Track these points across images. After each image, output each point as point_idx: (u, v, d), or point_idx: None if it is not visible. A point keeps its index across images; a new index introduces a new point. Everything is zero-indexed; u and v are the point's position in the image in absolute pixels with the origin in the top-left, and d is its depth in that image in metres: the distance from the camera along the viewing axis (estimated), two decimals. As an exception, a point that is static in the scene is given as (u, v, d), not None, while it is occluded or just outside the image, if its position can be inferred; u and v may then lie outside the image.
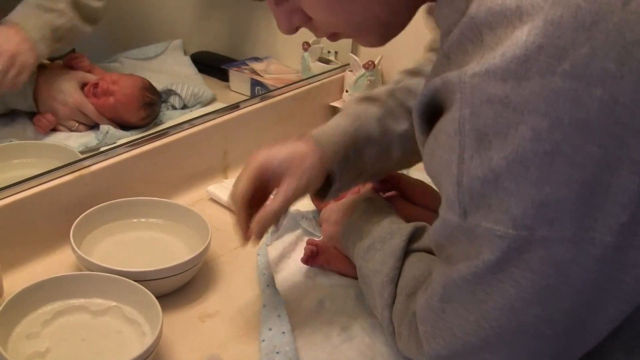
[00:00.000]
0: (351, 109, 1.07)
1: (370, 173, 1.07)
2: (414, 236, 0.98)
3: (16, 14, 1.43)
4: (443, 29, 0.76)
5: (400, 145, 1.05)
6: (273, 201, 0.99)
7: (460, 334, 0.75)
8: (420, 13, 0.87)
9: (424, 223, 1.00)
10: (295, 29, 0.90)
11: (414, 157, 1.07)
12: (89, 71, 1.62)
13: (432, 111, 0.74)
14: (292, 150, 1.00)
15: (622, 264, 0.68)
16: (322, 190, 1.03)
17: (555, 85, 0.63)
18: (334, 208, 1.14)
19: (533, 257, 0.68)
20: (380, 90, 1.09)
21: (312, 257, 1.13)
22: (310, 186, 0.99)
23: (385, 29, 0.86)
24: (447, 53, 0.72)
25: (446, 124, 0.70)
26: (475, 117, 0.67)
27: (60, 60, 1.63)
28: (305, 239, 1.19)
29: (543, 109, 0.64)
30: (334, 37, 0.91)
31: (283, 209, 0.99)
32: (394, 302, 0.93)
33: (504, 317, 0.72)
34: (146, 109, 1.60)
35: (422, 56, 1.14)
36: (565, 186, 0.65)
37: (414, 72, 1.11)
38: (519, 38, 0.64)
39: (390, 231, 1.00)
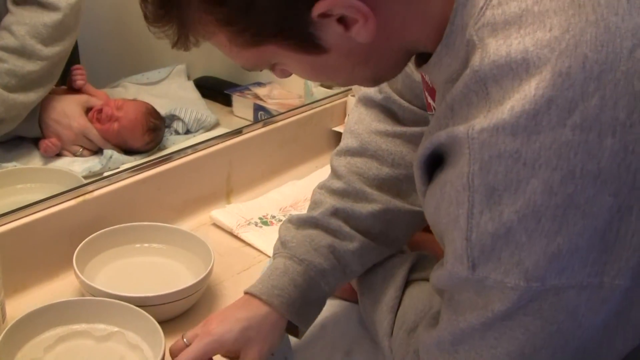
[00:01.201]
0: (289, 242, 1.01)
1: (333, 293, 1.04)
2: (416, 265, 0.98)
3: None
4: (444, 78, 0.74)
5: (357, 262, 1.01)
6: None
7: None
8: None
9: (426, 252, 1.00)
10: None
11: (373, 261, 1.03)
12: (88, 92, 1.63)
13: (433, 162, 0.74)
14: (245, 322, 0.94)
15: (629, 301, 0.68)
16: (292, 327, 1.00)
17: (566, 137, 0.63)
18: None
19: (543, 304, 0.67)
20: (320, 207, 1.03)
21: None
22: (273, 347, 0.96)
23: (375, 82, 0.86)
24: (450, 105, 0.71)
25: (454, 178, 0.69)
26: (485, 172, 0.66)
27: (64, 85, 1.64)
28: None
29: (554, 162, 0.63)
30: None
31: None
32: (392, 332, 0.93)
33: None
34: (150, 134, 1.61)
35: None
36: (578, 236, 0.64)
37: (358, 152, 1.06)
38: (527, 92, 0.63)
39: (393, 260, 1.00)
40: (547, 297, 0.67)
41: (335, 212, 1.01)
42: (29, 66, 1.47)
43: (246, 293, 0.97)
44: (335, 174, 1.07)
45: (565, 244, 0.64)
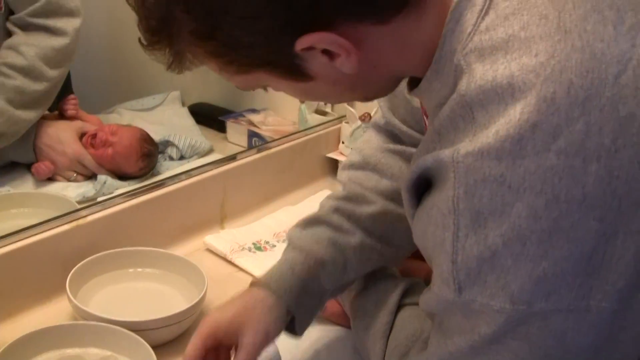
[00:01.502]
0: (295, 239, 1.02)
1: (332, 294, 1.03)
2: (408, 290, 0.98)
3: None
4: (434, 103, 0.75)
5: (358, 259, 1.01)
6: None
7: None
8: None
9: (418, 279, 1.00)
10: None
11: (374, 263, 1.04)
12: (81, 118, 1.64)
13: (420, 185, 0.75)
14: (240, 305, 0.95)
15: (620, 326, 0.68)
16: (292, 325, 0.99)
17: (551, 162, 0.63)
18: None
19: (531, 329, 0.67)
20: (323, 208, 1.05)
21: None
22: (270, 332, 0.94)
23: (367, 100, 0.87)
24: (437, 129, 0.72)
25: (439, 202, 0.69)
26: (470, 196, 0.66)
27: (56, 111, 1.65)
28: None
29: (539, 187, 0.63)
30: None
31: None
32: (384, 356, 0.93)
33: None
34: (144, 159, 1.61)
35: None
36: (564, 260, 0.64)
37: (360, 166, 1.08)
38: (512, 116, 0.64)
39: (385, 285, 1.00)
40: (534, 322, 0.67)
41: (337, 209, 1.03)
42: (35, 86, 1.50)
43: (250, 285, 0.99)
44: (340, 184, 1.10)
45: (550, 268, 0.65)
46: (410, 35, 0.73)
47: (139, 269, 1.22)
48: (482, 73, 0.66)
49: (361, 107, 1.64)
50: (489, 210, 0.65)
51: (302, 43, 0.69)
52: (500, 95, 0.65)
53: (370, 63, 0.74)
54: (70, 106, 1.63)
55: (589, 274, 0.65)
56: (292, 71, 0.74)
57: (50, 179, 1.56)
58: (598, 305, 0.66)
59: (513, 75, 0.64)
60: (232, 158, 1.50)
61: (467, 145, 0.66)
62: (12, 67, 1.48)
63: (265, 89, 0.82)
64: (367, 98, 0.84)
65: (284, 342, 1.08)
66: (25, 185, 1.53)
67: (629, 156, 0.63)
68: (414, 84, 0.78)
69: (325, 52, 0.71)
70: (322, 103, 1.75)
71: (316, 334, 1.12)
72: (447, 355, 0.75)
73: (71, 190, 1.52)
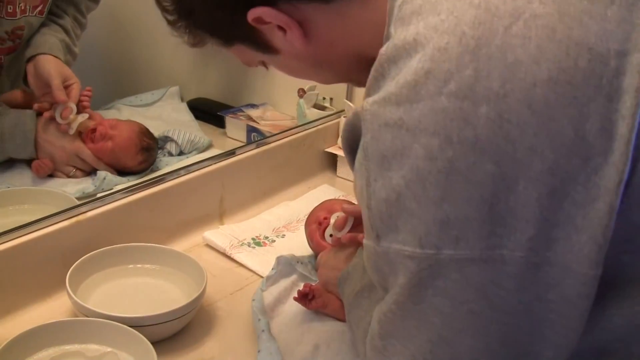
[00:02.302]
0: None
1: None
2: None
3: (46, 48, 1.61)
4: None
5: None
6: None
7: None
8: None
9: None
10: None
11: None
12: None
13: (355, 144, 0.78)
14: None
15: (543, 282, 0.68)
16: None
17: (443, 105, 0.67)
18: (331, 254, 1.15)
19: (448, 282, 0.69)
20: None
21: (303, 299, 1.12)
22: None
23: (350, 82, 0.91)
24: (366, 90, 0.76)
25: (358, 152, 0.74)
26: (376, 141, 0.70)
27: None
28: (301, 284, 1.20)
29: (432, 128, 0.67)
30: None
31: None
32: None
33: (436, 348, 0.73)
34: (143, 153, 1.61)
35: None
36: (465, 203, 0.67)
37: None
38: (411, 66, 0.69)
39: None
40: (450, 273, 0.69)
41: None
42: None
43: None
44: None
45: (453, 211, 0.67)
46: (360, 15, 0.81)
47: (139, 265, 1.22)
48: (398, 35, 0.72)
49: (360, 101, 1.64)
50: (392, 153, 0.69)
51: (250, 15, 0.80)
52: (407, 50, 0.70)
53: (324, 41, 0.84)
54: (86, 97, 1.64)
55: (496, 222, 0.67)
56: (258, 44, 0.86)
57: (50, 175, 1.56)
58: (512, 255, 0.67)
59: (418, 33, 0.70)
60: (231, 153, 1.50)
61: (375, 95, 0.72)
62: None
63: (265, 66, 0.94)
64: (344, 78, 0.90)
65: (284, 336, 1.08)
66: (24, 182, 1.53)
67: (518, 100, 0.66)
68: None
69: (280, 28, 0.82)
70: (320, 97, 1.75)
71: (315, 327, 1.12)
72: (383, 317, 0.77)
73: (70, 187, 1.52)
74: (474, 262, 0.68)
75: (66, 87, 1.59)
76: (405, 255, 0.69)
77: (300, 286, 1.18)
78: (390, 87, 0.70)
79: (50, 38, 1.64)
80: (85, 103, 1.63)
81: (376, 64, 0.73)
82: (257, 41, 0.86)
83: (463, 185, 0.66)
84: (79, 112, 1.60)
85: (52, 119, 1.58)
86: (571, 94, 0.66)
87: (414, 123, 0.68)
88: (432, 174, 0.67)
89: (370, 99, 0.72)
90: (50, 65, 1.59)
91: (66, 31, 1.68)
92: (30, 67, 1.59)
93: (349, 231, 1.15)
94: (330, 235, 1.21)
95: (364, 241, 0.75)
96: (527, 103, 0.66)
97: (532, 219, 0.66)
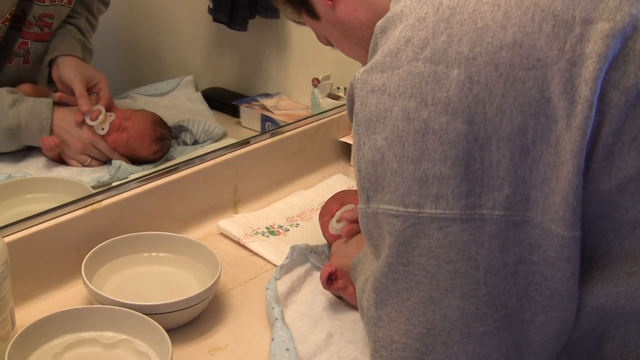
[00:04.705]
0: None
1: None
2: None
3: (64, 48, 1.64)
4: None
5: None
6: None
7: (397, 337, 0.78)
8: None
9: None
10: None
11: None
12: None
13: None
14: None
15: (526, 243, 0.71)
16: None
17: (419, 69, 0.72)
18: (344, 242, 1.15)
19: (432, 241, 0.72)
20: None
21: (330, 280, 1.11)
22: None
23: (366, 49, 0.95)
24: (368, 61, 0.80)
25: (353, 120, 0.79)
26: (363, 107, 0.75)
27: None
28: (315, 273, 1.20)
29: (410, 91, 0.72)
30: None
31: None
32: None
33: (428, 310, 0.75)
34: (158, 143, 1.62)
35: None
36: (441, 162, 0.70)
37: None
38: (394, 35, 0.75)
39: None
40: (432, 233, 0.72)
41: None
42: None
43: None
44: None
45: (430, 169, 0.71)
46: None
47: (153, 253, 1.23)
48: (392, 9, 0.79)
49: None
50: (376, 116, 0.74)
51: None
52: (395, 21, 0.77)
53: (348, 6, 0.95)
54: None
55: (473, 181, 0.70)
56: (308, 10, 1.00)
57: (65, 164, 1.57)
58: (491, 215, 0.70)
59: (405, 5, 0.76)
60: (245, 142, 1.50)
61: (366, 65, 0.77)
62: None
63: (330, 44, 1.05)
64: (364, 47, 0.92)
65: (297, 325, 1.09)
66: (40, 171, 1.54)
67: (485, 62, 0.70)
68: None
69: None
70: (335, 86, 1.75)
71: (329, 316, 1.12)
72: (377, 283, 0.80)
73: (86, 176, 1.53)
74: (455, 222, 0.71)
75: (93, 87, 1.61)
76: (391, 214, 0.73)
77: (314, 275, 1.18)
78: (377, 55, 0.76)
79: (67, 39, 1.65)
80: (110, 103, 1.65)
81: (373, 36, 0.79)
82: (308, 8, 1.00)
83: (438, 144, 0.70)
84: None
85: (70, 108, 1.59)
86: (535, 57, 0.69)
87: (395, 87, 0.73)
88: (409, 134, 0.71)
89: (362, 69, 0.76)
90: (72, 68, 1.61)
91: (81, 31, 1.70)
92: (54, 72, 1.62)
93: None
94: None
95: (358, 207, 0.79)
96: (494, 65, 0.70)
97: (507, 177, 0.70)
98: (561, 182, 0.69)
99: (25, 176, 1.49)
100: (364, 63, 0.98)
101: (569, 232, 0.70)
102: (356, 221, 1.12)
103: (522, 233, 0.71)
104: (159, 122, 1.65)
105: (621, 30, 0.69)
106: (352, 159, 0.81)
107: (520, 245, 0.71)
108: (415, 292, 0.75)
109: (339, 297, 1.15)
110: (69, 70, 1.60)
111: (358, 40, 0.98)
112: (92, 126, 1.57)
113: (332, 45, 1.05)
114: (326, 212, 1.29)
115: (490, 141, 0.69)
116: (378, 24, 0.79)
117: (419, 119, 0.71)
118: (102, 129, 1.58)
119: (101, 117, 1.58)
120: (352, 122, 0.81)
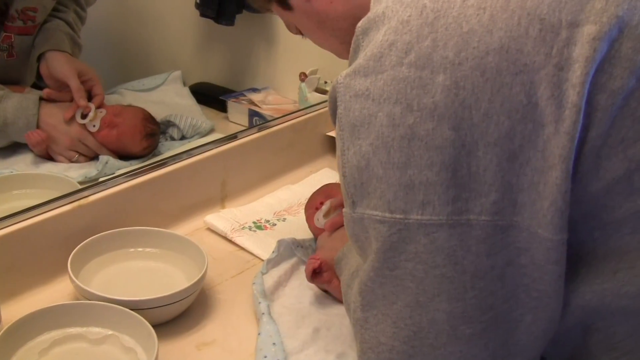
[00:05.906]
0: None
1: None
2: None
3: (53, 43, 1.63)
4: None
5: None
6: None
7: (384, 340, 0.78)
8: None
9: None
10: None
11: None
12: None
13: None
14: None
15: (513, 246, 0.71)
16: None
17: (404, 74, 0.70)
18: (329, 235, 1.16)
19: (418, 247, 0.71)
20: None
21: (315, 273, 1.12)
22: None
23: (343, 42, 0.95)
24: (348, 64, 0.79)
25: (336, 124, 0.78)
26: (347, 111, 0.74)
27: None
28: (301, 267, 1.20)
29: (395, 96, 0.70)
30: None
31: None
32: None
33: (415, 313, 0.75)
34: (148, 139, 1.62)
35: None
36: (427, 168, 0.69)
37: None
38: (377, 38, 0.73)
39: None
40: (419, 238, 0.71)
41: None
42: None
43: None
44: None
45: (417, 175, 0.70)
46: None
47: (140, 249, 1.23)
48: (372, 9, 0.77)
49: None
50: (360, 121, 0.73)
51: None
52: (376, 23, 0.75)
53: None
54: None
55: (460, 187, 0.69)
56: (280, 1, 0.95)
57: (53, 160, 1.57)
58: (478, 219, 0.70)
59: (387, 6, 0.75)
60: (233, 137, 1.50)
61: (348, 69, 0.76)
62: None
63: (300, 33, 1.02)
64: (345, 46, 0.90)
65: (285, 319, 1.09)
66: (27, 167, 1.53)
67: (472, 67, 0.69)
68: None
69: None
70: (322, 81, 1.75)
71: (316, 310, 1.13)
72: (363, 287, 0.79)
73: (73, 171, 1.52)
74: (441, 228, 0.70)
75: (84, 83, 1.60)
76: (377, 220, 0.73)
77: (301, 269, 1.18)
78: (360, 59, 0.74)
79: (57, 33, 1.64)
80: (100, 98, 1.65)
81: (354, 37, 0.78)
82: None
83: (424, 150, 0.69)
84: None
85: (58, 103, 1.58)
86: (522, 62, 0.68)
87: (379, 92, 0.71)
88: (395, 140, 0.70)
89: (344, 72, 0.75)
90: (64, 63, 1.60)
91: (70, 25, 1.69)
92: (43, 67, 1.61)
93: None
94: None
95: (344, 210, 0.79)
96: (481, 70, 0.68)
97: (495, 182, 0.69)
98: (549, 186, 0.68)
99: (12, 172, 1.48)
100: (339, 54, 0.98)
101: (557, 236, 0.70)
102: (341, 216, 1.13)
103: (510, 237, 0.71)
104: (149, 118, 1.65)
105: (608, 33, 0.68)
106: (337, 162, 0.81)
107: (507, 249, 0.71)
108: (402, 296, 0.75)
109: (325, 291, 1.15)
110: (61, 65, 1.60)
111: (334, 32, 0.96)
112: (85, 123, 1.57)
113: (302, 34, 1.03)
114: (312, 204, 1.29)
115: (477, 147, 0.69)
116: (359, 24, 0.78)
117: (405, 125, 0.70)
118: (94, 125, 1.57)
119: (91, 114, 1.57)
120: (334, 124, 0.81)
